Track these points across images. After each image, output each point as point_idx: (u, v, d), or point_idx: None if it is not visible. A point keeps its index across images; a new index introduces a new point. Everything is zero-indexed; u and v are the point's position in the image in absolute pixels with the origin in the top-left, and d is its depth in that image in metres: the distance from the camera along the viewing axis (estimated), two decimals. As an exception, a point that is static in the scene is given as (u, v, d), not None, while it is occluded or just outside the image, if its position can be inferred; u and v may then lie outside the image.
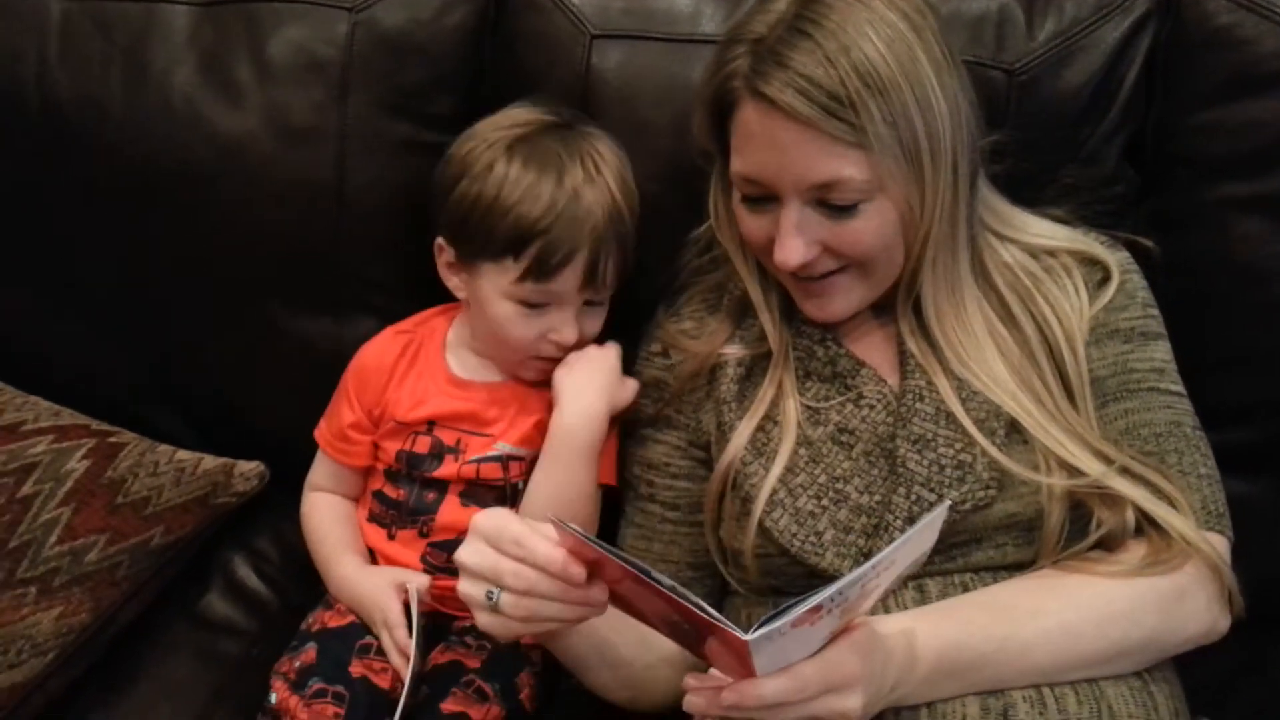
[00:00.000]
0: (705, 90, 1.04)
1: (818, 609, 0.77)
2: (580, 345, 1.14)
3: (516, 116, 1.15)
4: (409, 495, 1.17)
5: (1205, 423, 1.05)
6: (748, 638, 0.75)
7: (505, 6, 1.26)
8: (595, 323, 1.14)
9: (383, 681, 1.10)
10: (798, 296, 1.06)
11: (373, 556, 1.20)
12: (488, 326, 1.14)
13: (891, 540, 0.97)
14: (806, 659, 0.82)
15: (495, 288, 1.11)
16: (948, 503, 0.83)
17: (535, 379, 1.16)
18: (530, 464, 1.15)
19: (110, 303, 1.36)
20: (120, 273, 1.34)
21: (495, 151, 1.11)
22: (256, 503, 1.32)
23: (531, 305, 1.11)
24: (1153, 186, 1.20)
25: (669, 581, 0.79)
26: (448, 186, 1.13)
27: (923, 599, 0.97)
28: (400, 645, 1.09)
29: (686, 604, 0.77)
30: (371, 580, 1.14)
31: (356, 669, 1.10)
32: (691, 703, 0.82)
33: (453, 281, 1.17)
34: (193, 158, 1.27)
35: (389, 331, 1.23)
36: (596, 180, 1.09)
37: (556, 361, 1.14)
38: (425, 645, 1.12)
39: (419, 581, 1.12)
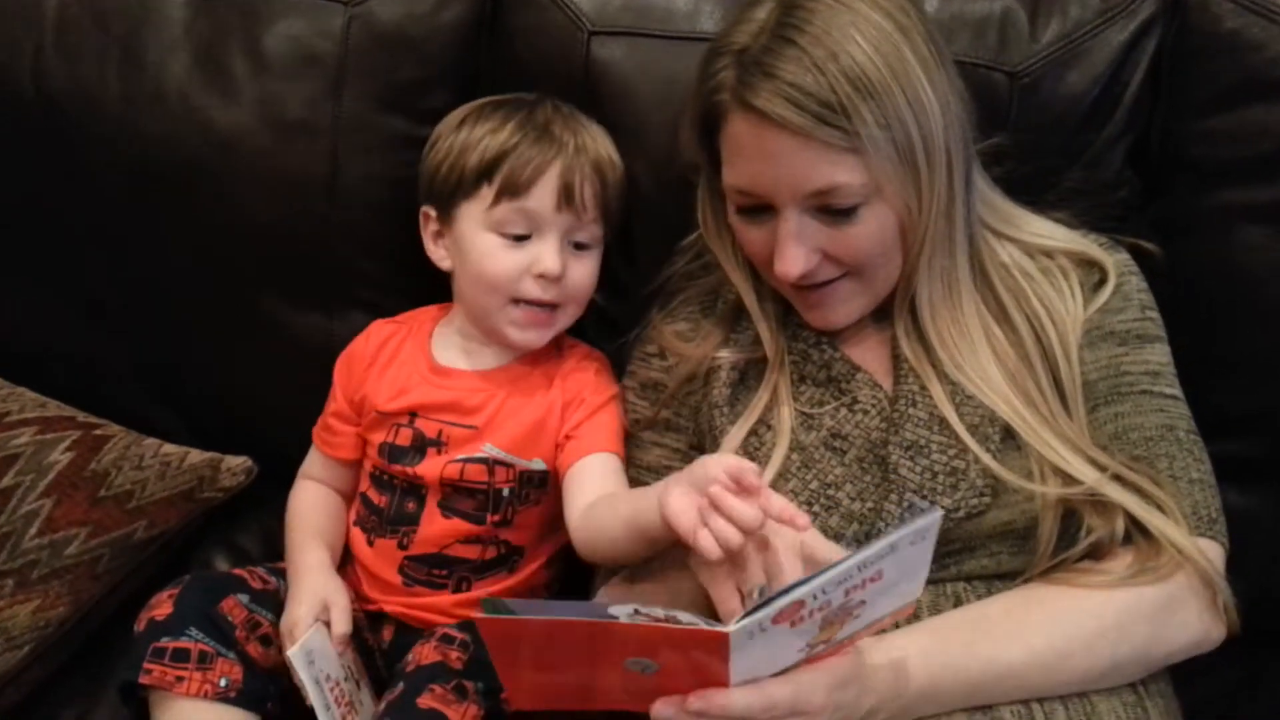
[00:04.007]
0: (692, 104, 1.04)
1: (800, 605, 0.76)
2: (569, 295, 1.12)
3: (505, 96, 1.18)
4: (390, 503, 1.16)
5: (1205, 433, 1.04)
6: (729, 629, 0.75)
7: (502, 2, 1.26)
8: (583, 269, 1.13)
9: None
10: (799, 306, 1.06)
11: (354, 561, 1.19)
12: (472, 276, 1.13)
13: None
14: (779, 679, 0.82)
15: (474, 222, 1.12)
16: (939, 512, 0.81)
17: (519, 340, 1.14)
18: (520, 473, 1.13)
19: (101, 294, 1.36)
20: (111, 264, 1.34)
21: (466, 112, 1.16)
22: (242, 499, 1.31)
23: (513, 237, 1.11)
24: (1156, 192, 1.19)
25: (629, 609, 0.78)
26: (426, 157, 1.17)
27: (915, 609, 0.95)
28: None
29: (654, 624, 0.76)
30: (310, 583, 1.12)
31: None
32: (658, 711, 0.82)
33: (438, 253, 1.17)
34: (186, 150, 1.27)
35: (378, 322, 1.23)
36: (570, 121, 1.14)
37: (541, 315, 1.12)
38: (374, 671, 1.13)
39: (312, 641, 1.07)
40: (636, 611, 0.77)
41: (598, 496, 1.06)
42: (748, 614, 0.75)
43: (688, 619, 0.77)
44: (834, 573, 0.76)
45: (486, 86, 1.24)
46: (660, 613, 0.78)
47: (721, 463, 0.85)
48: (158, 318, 1.35)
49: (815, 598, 0.77)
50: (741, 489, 0.83)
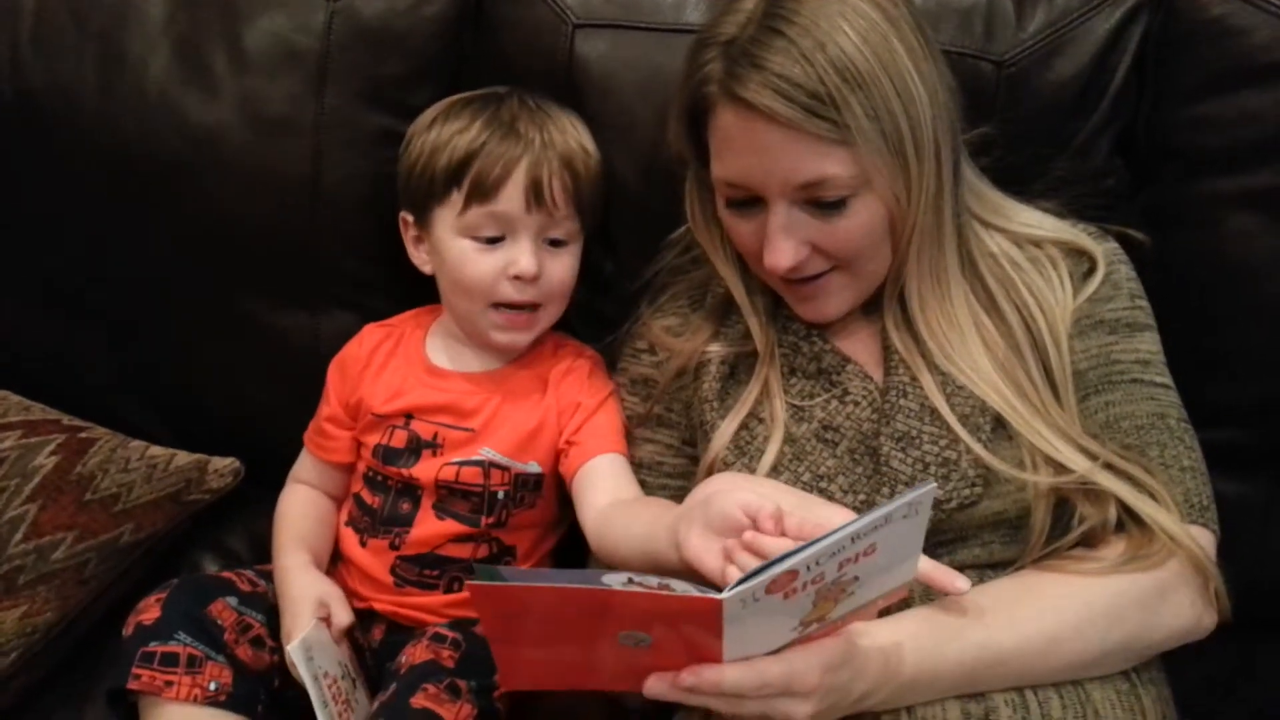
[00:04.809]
0: (679, 96, 1.03)
1: (793, 574, 0.76)
2: (547, 294, 1.12)
3: (475, 92, 1.17)
4: (384, 504, 1.15)
5: (1195, 420, 1.04)
6: (723, 597, 0.74)
7: (486, -5, 1.25)
8: (560, 266, 1.12)
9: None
10: (790, 299, 1.06)
11: (345, 560, 1.18)
12: (451, 281, 1.13)
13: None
14: (773, 658, 0.81)
15: (448, 228, 1.11)
16: (932, 485, 0.81)
17: (502, 343, 1.14)
18: (516, 475, 1.13)
19: (83, 295, 1.34)
20: (91, 265, 1.32)
21: (436, 112, 1.15)
22: (229, 501, 1.30)
23: (486, 240, 1.10)
24: (1144, 180, 1.19)
25: (623, 577, 0.77)
26: (401, 159, 1.16)
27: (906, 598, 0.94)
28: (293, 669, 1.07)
29: (646, 592, 0.76)
30: (299, 585, 1.11)
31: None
32: (650, 686, 0.82)
33: (420, 258, 1.17)
34: (166, 148, 1.26)
35: (369, 326, 1.22)
36: (536, 115, 1.12)
37: (521, 317, 1.12)
38: (365, 670, 1.12)
39: (311, 637, 1.07)
40: (630, 580, 0.77)
41: (612, 500, 1.06)
42: (741, 582, 0.75)
43: (681, 587, 0.77)
44: (827, 542, 0.76)
45: (470, 81, 1.23)
46: (654, 581, 0.77)
47: (737, 502, 0.85)
48: (141, 318, 1.34)
49: (809, 569, 0.76)
50: (759, 525, 0.84)
